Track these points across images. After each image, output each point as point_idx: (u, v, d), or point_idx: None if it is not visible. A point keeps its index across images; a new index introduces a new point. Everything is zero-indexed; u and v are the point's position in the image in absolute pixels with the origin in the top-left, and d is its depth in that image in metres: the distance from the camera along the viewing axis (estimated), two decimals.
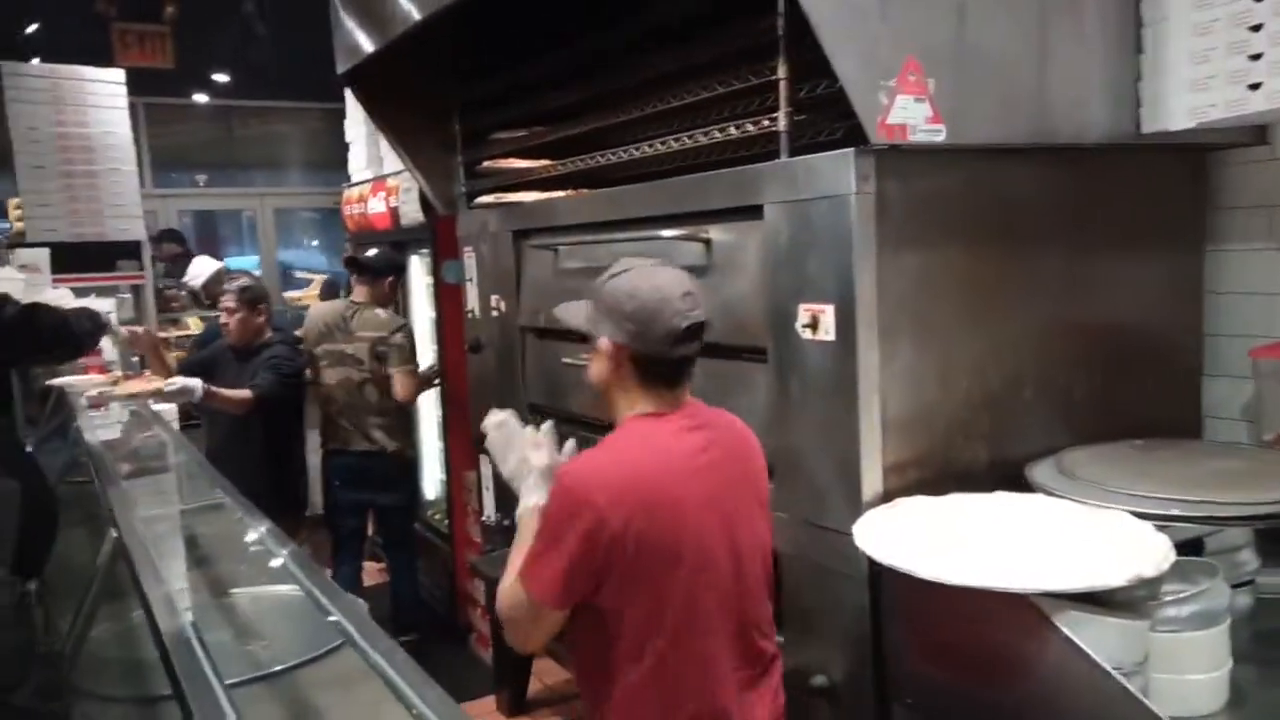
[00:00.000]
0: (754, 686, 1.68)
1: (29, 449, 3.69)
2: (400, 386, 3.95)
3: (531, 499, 1.72)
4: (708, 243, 2.15)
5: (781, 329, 1.93)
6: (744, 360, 2.09)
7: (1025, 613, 1.37)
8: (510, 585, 1.62)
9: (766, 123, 1.97)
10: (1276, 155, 2.15)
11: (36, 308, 2.60)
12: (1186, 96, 1.95)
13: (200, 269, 5.07)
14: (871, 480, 1.80)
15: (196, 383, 3.47)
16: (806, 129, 1.94)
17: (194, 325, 5.96)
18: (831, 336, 1.82)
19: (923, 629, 1.63)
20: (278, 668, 1.41)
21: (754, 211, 1.97)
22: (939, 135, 1.75)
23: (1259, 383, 2.13)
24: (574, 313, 1.74)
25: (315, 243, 9.91)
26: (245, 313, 3.82)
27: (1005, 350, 1.96)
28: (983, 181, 1.90)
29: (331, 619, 1.36)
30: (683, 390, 1.68)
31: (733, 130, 2.08)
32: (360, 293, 4.10)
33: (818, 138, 1.90)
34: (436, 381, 4.26)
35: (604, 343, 1.63)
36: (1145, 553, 1.40)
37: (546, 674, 3.65)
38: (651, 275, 1.63)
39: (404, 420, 4.19)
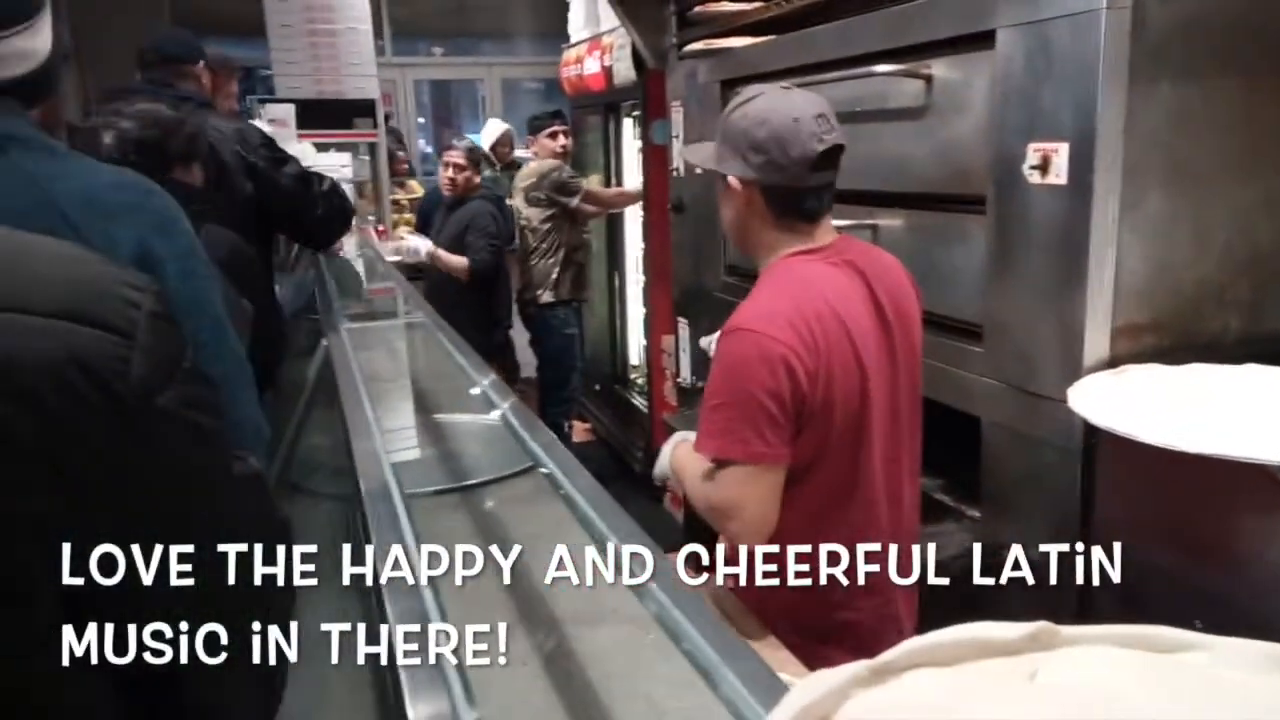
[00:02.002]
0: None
1: (277, 288, 4.09)
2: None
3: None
4: (928, 79, 1.94)
5: (1005, 174, 1.72)
6: (958, 211, 1.91)
7: (1269, 488, 1.18)
8: (704, 472, 1.47)
9: None
10: None
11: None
12: None
13: (492, 130, 5.50)
14: (1096, 344, 1.61)
15: (425, 243, 3.74)
16: None
17: (417, 188, 6.29)
18: (1063, 180, 1.61)
19: (1141, 505, 1.46)
20: (462, 483, 1.45)
21: (984, 40, 1.75)
22: None
23: None
24: (701, 152, 1.59)
25: None
26: (471, 170, 4.06)
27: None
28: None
29: (523, 444, 1.37)
30: (824, 224, 1.53)
31: None
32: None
33: None
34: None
35: (732, 181, 1.49)
36: None
37: None
38: (786, 97, 1.47)
39: (545, 269, 4.28)
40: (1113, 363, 1.60)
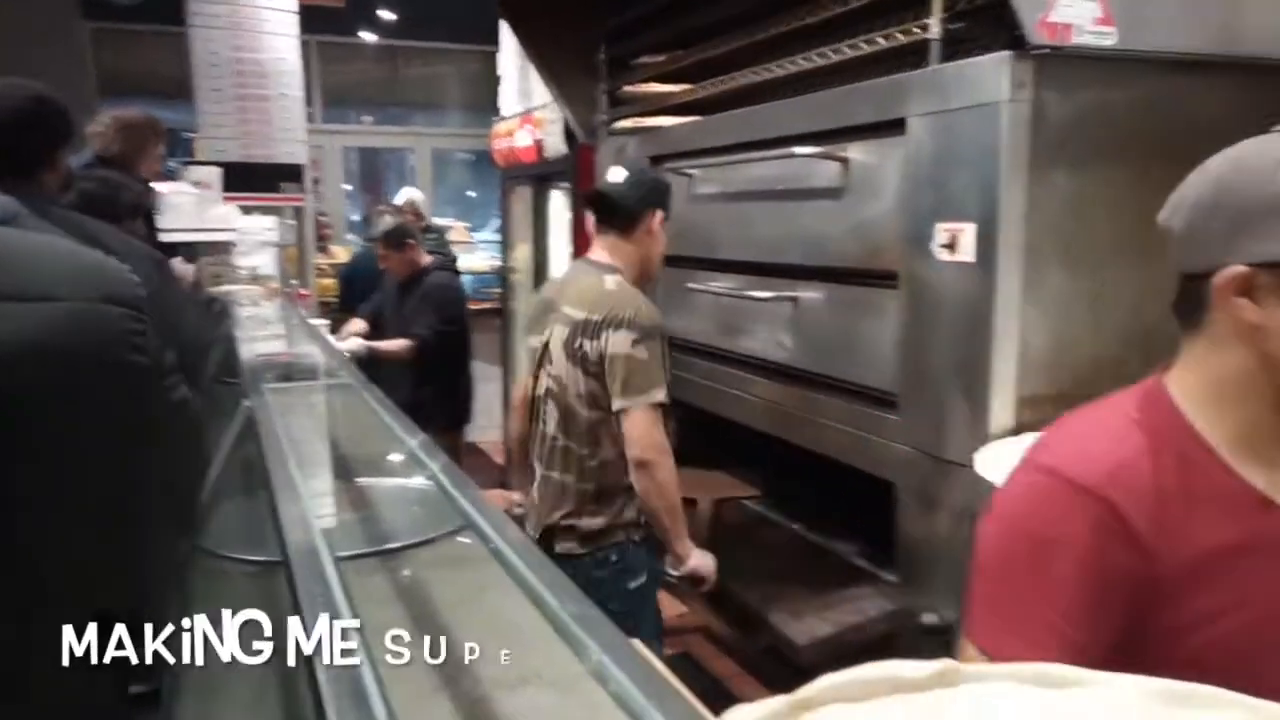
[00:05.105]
0: None
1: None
2: None
3: None
4: (845, 162, 2.05)
5: (916, 251, 1.82)
6: (873, 286, 2.00)
7: None
8: None
9: (918, 31, 1.85)
10: None
11: None
12: None
13: (401, 195, 5.55)
14: (1001, 413, 1.69)
15: (360, 345, 3.71)
16: (962, 43, 1.81)
17: (341, 254, 6.27)
18: (970, 258, 1.70)
19: None
20: (394, 545, 1.43)
21: (896, 126, 1.86)
22: (1109, 39, 1.59)
23: None
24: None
25: (473, 194, 10.15)
26: (395, 254, 4.01)
27: (1168, 286, 1.78)
28: (1159, 97, 1.72)
29: (455, 504, 1.35)
30: None
31: (881, 41, 1.97)
32: None
33: (971, 53, 1.78)
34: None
35: None
36: None
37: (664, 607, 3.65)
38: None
39: None
40: (1018, 431, 1.69)
